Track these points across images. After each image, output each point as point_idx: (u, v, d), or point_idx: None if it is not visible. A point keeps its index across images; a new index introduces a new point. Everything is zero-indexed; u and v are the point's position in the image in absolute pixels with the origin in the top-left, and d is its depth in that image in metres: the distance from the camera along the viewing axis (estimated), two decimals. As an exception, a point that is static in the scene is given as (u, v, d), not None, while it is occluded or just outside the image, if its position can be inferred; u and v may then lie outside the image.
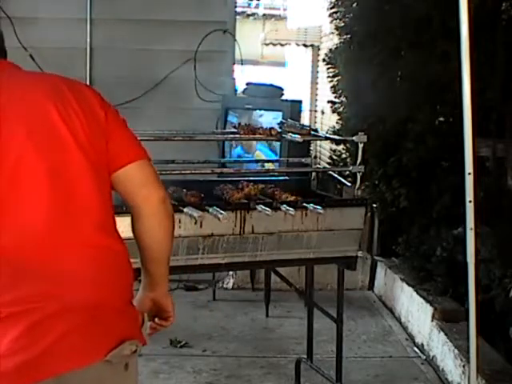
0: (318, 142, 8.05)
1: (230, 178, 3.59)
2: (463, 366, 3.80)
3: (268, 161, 4.90)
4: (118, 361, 1.65)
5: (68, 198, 1.65)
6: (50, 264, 1.61)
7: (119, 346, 1.64)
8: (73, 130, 1.68)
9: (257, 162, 4.95)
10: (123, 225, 2.86)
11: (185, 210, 3.01)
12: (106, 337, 1.64)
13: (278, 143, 4.65)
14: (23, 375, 1.53)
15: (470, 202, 3.17)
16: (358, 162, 3.43)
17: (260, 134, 3.55)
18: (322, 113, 9.90)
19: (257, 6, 16.18)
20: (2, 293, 1.56)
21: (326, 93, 8.06)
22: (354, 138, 3.48)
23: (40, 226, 1.61)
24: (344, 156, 6.81)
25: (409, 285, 4.96)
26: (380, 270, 5.69)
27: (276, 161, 4.77)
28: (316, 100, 11.02)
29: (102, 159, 1.73)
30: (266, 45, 13.44)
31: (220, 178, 3.78)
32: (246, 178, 3.43)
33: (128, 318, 1.73)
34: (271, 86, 5.55)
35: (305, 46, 11.84)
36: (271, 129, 3.57)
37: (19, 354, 1.53)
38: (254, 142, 5.03)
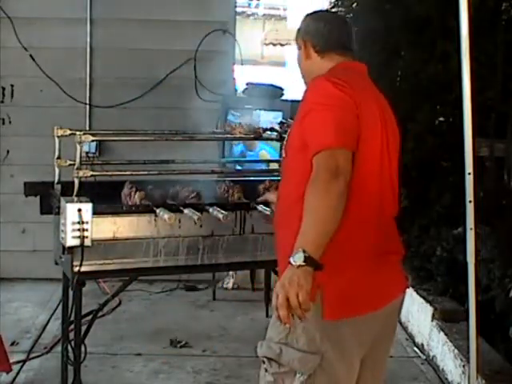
0: (318, 142, 8.02)
1: (230, 178, 3.59)
2: (463, 366, 3.80)
3: (269, 161, 4.88)
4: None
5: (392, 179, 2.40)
6: (394, 227, 2.48)
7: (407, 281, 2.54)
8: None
9: (256, 162, 4.93)
10: (122, 224, 2.90)
11: (185, 211, 3.02)
12: (404, 274, 2.51)
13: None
14: (384, 299, 2.34)
15: (470, 202, 3.18)
16: (358, 161, 3.43)
17: (260, 133, 3.56)
18: (322, 113, 9.87)
19: (257, 6, 16.17)
20: (384, 244, 2.37)
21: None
22: (353, 137, 3.47)
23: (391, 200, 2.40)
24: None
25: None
26: (380, 270, 5.68)
27: (276, 161, 4.76)
28: (316, 100, 10.99)
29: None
30: (266, 45, 13.44)
31: (220, 178, 3.78)
32: (247, 178, 3.42)
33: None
34: (271, 86, 5.53)
35: (305, 45, 11.81)
36: (271, 129, 3.57)
37: (385, 285, 2.33)
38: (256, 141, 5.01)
